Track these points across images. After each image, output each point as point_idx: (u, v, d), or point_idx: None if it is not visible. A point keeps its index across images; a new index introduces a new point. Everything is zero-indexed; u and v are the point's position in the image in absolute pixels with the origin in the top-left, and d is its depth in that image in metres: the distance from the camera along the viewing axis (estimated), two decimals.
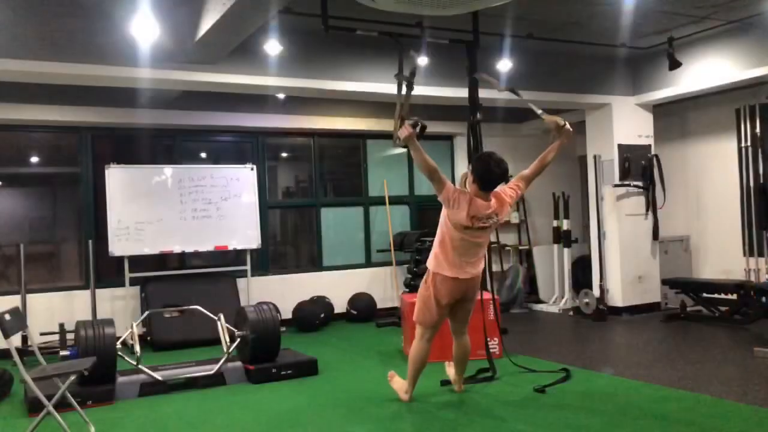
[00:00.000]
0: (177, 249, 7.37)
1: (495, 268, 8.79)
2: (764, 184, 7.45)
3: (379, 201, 8.96)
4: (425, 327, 4.37)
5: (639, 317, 7.77)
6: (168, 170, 7.46)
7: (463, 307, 4.41)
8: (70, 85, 6.24)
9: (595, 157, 8.11)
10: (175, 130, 7.80)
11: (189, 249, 7.42)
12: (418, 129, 4.08)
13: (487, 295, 5.58)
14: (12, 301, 6.08)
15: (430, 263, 4.32)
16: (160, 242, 7.22)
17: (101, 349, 4.68)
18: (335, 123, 8.44)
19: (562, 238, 8.66)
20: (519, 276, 8.80)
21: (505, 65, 6.85)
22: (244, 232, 7.64)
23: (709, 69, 7.12)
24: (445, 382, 4.82)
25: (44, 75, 5.56)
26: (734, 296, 6.99)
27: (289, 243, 8.92)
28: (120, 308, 7.20)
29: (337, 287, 8.37)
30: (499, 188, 4.28)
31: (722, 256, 8.22)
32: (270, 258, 8.30)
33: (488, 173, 4.13)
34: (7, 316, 3.98)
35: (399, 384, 4.58)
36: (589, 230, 8.44)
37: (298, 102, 7.83)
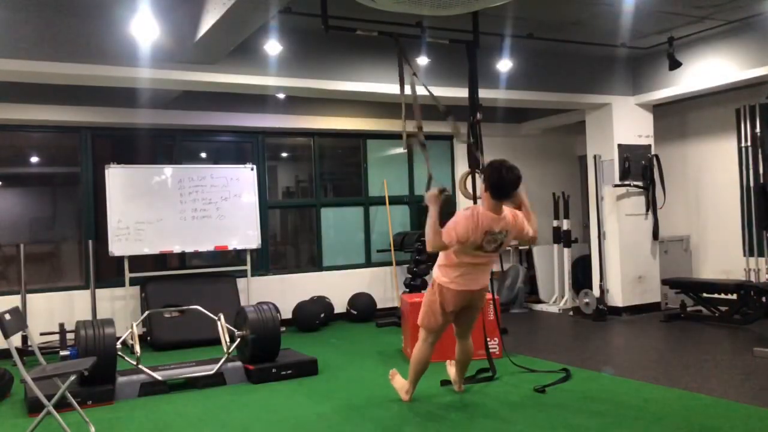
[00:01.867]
0: (177, 249, 7.36)
1: (495, 268, 8.78)
2: (764, 184, 7.43)
3: (379, 201, 8.95)
4: (429, 331, 4.36)
5: (639, 317, 7.77)
6: (168, 170, 7.45)
7: (469, 313, 4.40)
8: (70, 85, 6.24)
9: (595, 157, 8.10)
10: (175, 130, 7.79)
11: (189, 249, 7.42)
12: (442, 196, 4.15)
13: (487, 295, 5.57)
14: (12, 301, 6.08)
15: (437, 275, 4.28)
16: (160, 242, 7.21)
17: (101, 349, 4.67)
18: (335, 123, 8.43)
19: (562, 238, 8.64)
20: (519, 276, 8.79)
21: (505, 65, 6.88)
22: (244, 232, 7.64)
23: (709, 69, 7.12)
24: (445, 382, 4.82)
25: (44, 75, 5.55)
26: (734, 296, 6.98)
27: (289, 243, 8.92)
28: (120, 308, 7.20)
29: (337, 287, 8.37)
30: (508, 210, 4.18)
31: (722, 256, 8.22)
32: (270, 258, 8.30)
33: (501, 180, 4.03)
34: (7, 316, 3.97)
35: (400, 383, 4.58)
36: (589, 230, 8.44)
37: (298, 102, 7.82)
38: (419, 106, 4.82)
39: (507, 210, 4.16)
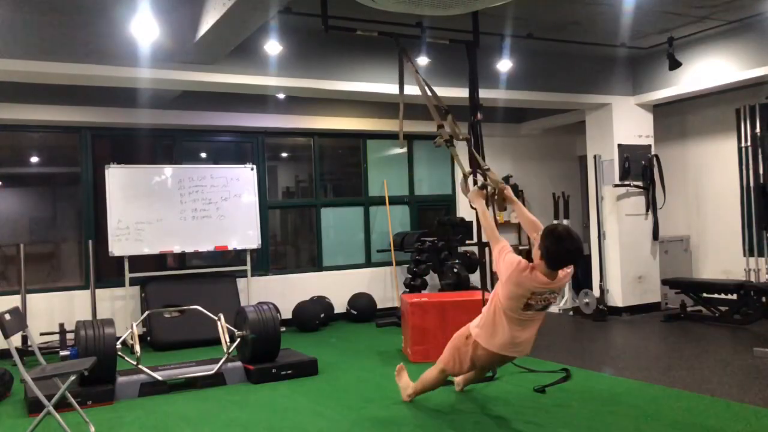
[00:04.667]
0: (177, 249, 7.34)
1: (495, 268, 8.77)
2: (764, 184, 7.43)
3: (379, 201, 8.94)
4: (448, 373, 4.24)
5: (639, 317, 7.76)
6: (168, 170, 7.43)
7: (498, 365, 4.36)
8: (70, 85, 6.25)
9: (595, 157, 8.09)
10: (174, 130, 7.77)
11: (189, 249, 7.40)
12: (485, 191, 4.10)
13: (487, 296, 5.56)
14: (12, 301, 6.08)
15: (475, 332, 3.92)
16: (160, 242, 7.19)
17: (101, 349, 4.67)
18: (335, 123, 8.41)
19: None
20: None
21: (505, 65, 6.87)
22: (244, 232, 7.62)
23: (709, 69, 7.11)
24: (446, 382, 4.78)
25: (44, 75, 5.55)
26: (734, 296, 6.97)
27: (289, 243, 8.89)
28: (120, 308, 7.19)
29: (337, 287, 8.35)
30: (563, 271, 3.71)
31: (722, 256, 8.21)
32: (270, 258, 8.28)
33: (562, 251, 3.53)
34: (7, 316, 3.97)
35: (405, 382, 4.54)
36: (589, 230, 8.42)
37: (298, 102, 7.81)
38: (433, 106, 4.72)
39: (561, 271, 3.67)
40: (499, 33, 6.49)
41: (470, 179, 4.43)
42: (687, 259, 8.56)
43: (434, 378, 4.27)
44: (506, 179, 9.03)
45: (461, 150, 4.72)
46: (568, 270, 3.72)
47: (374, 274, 8.73)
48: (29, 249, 6.79)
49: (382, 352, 6.28)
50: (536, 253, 3.65)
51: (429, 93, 4.84)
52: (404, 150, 9.14)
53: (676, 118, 8.69)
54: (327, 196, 8.89)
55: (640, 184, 8.03)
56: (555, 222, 3.76)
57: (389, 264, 8.78)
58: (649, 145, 8.14)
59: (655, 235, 8.10)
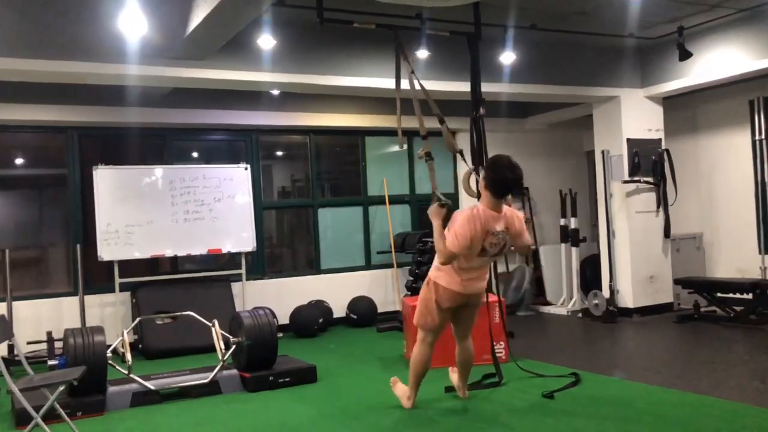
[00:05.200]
0: (169, 253, 7.29)
1: (501, 269, 8.68)
2: None
3: (379, 200, 8.85)
4: (426, 330, 4.34)
5: (650, 318, 7.70)
6: (158, 171, 7.36)
7: (467, 312, 4.39)
8: (55, 83, 6.22)
9: (603, 152, 8.03)
10: (165, 128, 7.71)
11: (181, 252, 7.36)
12: (444, 210, 4.26)
13: (493, 298, 5.58)
14: None
15: (434, 274, 4.28)
16: (151, 246, 7.11)
17: (91, 358, 4.63)
18: (332, 120, 8.34)
19: (569, 237, 8.55)
20: (525, 277, 8.64)
21: (508, 58, 6.84)
22: (239, 235, 7.54)
23: (721, 59, 7.04)
24: (449, 389, 4.77)
25: (29, 73, 5.49)
26: (750, 296, 6.93)
27: (286, 245, 8.85)
28: (110, 315, 7.11)
29: (335, 291, 8.27)
30: (509, 209, 4.26)
31: (737, 254, 8.15)
32: (266, 261, 8.22)
33: (503, 179, 4.07)
34: None
35: (401, 390, 4.53)
36: (598, 228, 8.40)
37: (293, 98, 7.77)
38: (421, 113, 4.77)
39: (506, 208, 4.22)
40: (502, 24, 6.43)
41: (472, 178, 4.44)
42: (700, 257, 8.52)
43: (419, 353, 4.33)
44: None
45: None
46: (519, 214, 4.26)
47: (374, 276, 8.64)
48: (15, 254, 6.74)
49: (383, 357, 6.23)
50: (482, 184, 4.16)
51: (424, 96, 4.86)
52: (404, 148, 9.02)
53: (687, 110, 8.64)
54: (324, 195, 8.82)
55: (650, 179, 7.97)
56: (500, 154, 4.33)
57: (390, 266, 8.70)
58: (660, 139, 8.08)
59: (667, 232, 8.03)
